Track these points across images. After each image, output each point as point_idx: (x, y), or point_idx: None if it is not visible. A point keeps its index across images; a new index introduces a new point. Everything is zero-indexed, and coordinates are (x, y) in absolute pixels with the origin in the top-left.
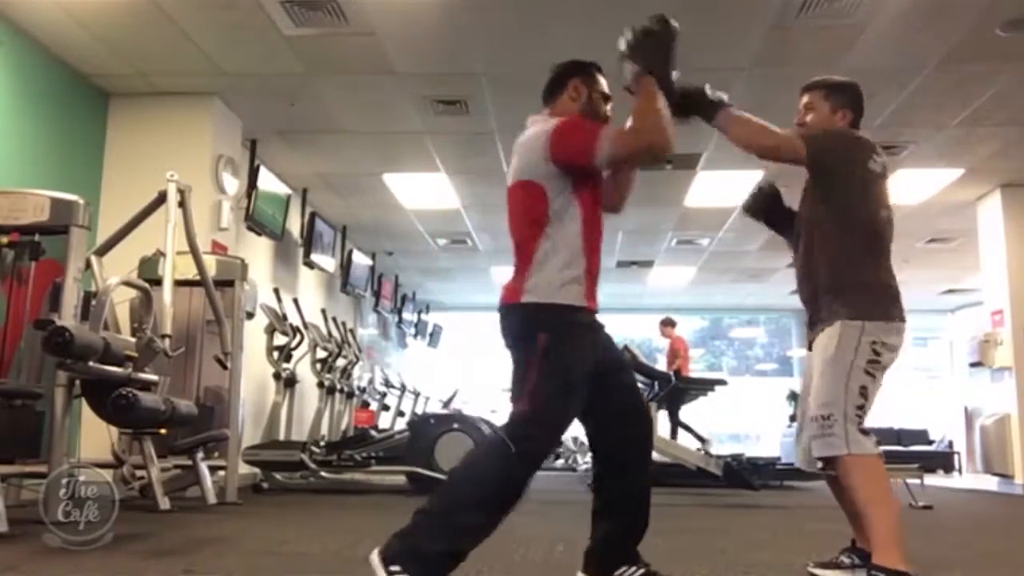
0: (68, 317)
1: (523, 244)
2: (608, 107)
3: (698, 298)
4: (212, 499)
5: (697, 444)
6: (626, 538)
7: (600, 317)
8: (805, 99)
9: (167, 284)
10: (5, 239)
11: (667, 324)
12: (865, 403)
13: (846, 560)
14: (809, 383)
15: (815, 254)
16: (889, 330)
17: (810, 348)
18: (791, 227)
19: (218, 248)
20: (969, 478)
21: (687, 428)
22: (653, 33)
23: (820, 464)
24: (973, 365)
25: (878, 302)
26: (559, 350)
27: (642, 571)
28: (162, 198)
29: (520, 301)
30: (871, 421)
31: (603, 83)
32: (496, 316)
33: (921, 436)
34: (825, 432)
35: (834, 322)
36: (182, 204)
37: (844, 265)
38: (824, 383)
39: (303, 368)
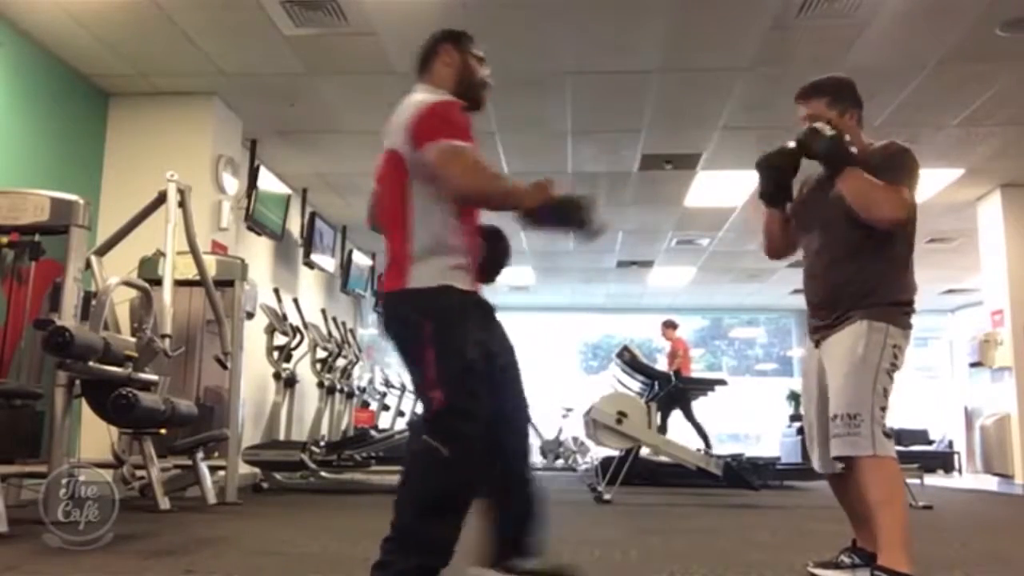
0: (68, 317)
1: (397, 224)
2: (486, 72)
3: (698, 298)
4: (212, 499)
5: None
6: (510, 529)
7: (600, 317)
8: (805, 110)
9: (167, 284)
10: (5, 239)
11: (668, 326)
12: (887, 405)
13: (846, 560)
14: (816, 382)
15: (855, 262)
16: (904, 336)
17: (817, 346)
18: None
19: (218, 248)
20: (969, 478)
21: (699, 427)
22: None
23: (841, 465)
24: (973, 365)
25: (901, 313)
26: (449, 332)
27: (531, 565)
28: (162, 198)
29: (405, 287)
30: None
31: (477, 49)
32: (497, 316)
33: (921, 436)
34: (851, 431)
35: (856, 321)
36: (182, 204)
37: (883, 281)
38: (851, 383)
39: (303, 368)
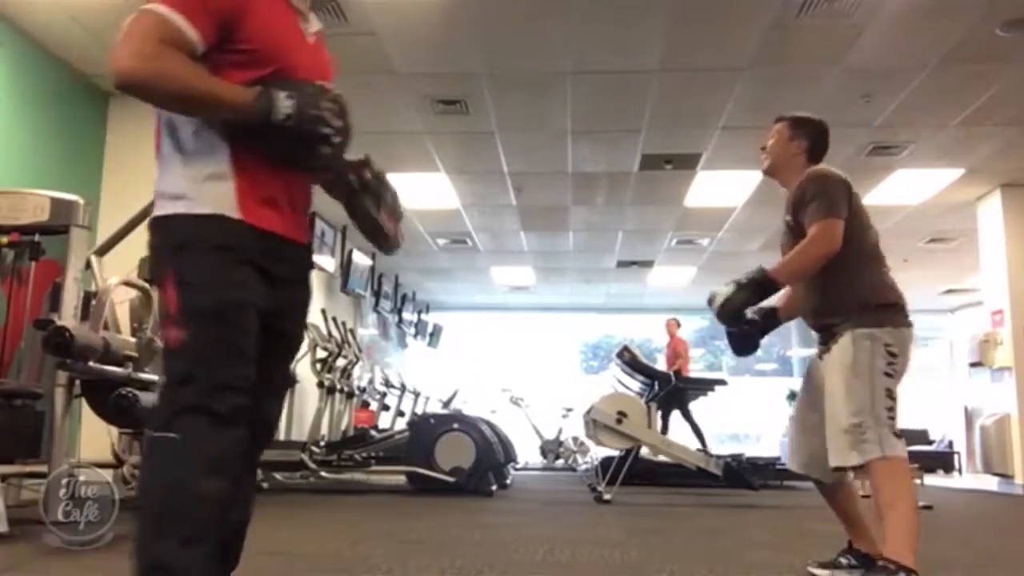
0: (68, 317)
1: (157, 126)
2: None
3: (698, 298)
4: None
5: (698, 444)
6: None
7: (600, 317)
8: (773, 129)
9: None
10: (5, 239)
11: (675, 323)
12: (894, 404)
13: (844, 561)
14: (814, 390)
15: (828, 279)
16: (896, 334)
17: (820, 357)
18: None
19: None
20: (969, 478)
21: (695, 427)
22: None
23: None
24: (973, 365)
25: (885, 313)
26: (196, 281)
27: None
28: None
29: (157, 215)
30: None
31: None
32: (497, 316)
33: (921, 436)
34: (860, 439)
35: (841, 335)
36: None
37: (856, 288)
38: (850, 394)
39: (303, 368)
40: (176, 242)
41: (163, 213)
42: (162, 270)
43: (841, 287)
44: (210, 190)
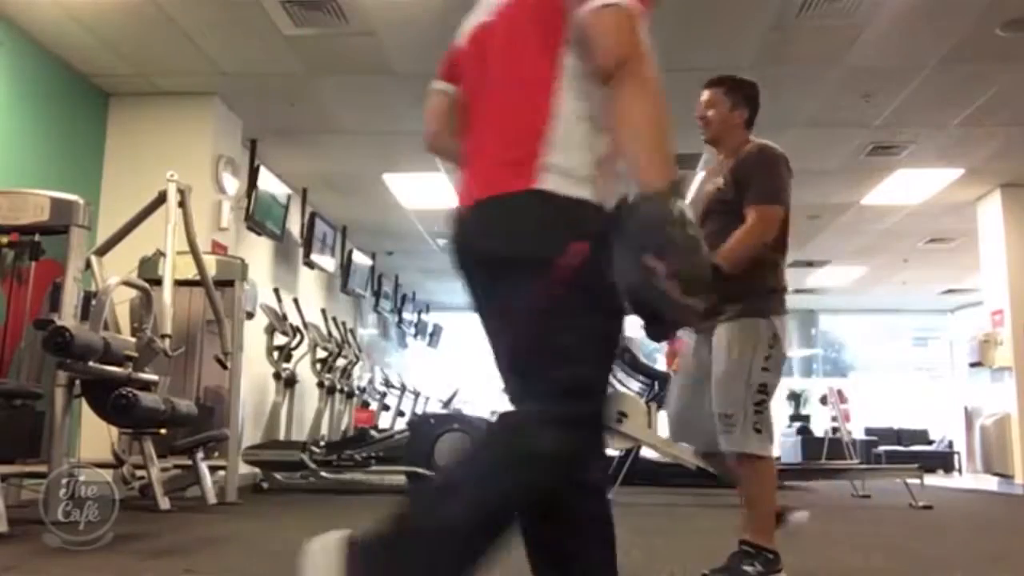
0: (68, 317)
1: (530, 95)
2: None
3: None
4: (212, 499)
5: None
6: None
7: None
8: (706, 95)
9: (167, 284)
10: (5, 239)
11: None
12: (765, 399)
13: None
14: (697, 371)
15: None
16: (779, 325)
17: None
18: None
19: (218, 248)
20: (969, 478)
21: None
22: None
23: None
24: (973, 365)
25: (775, 300)
26: (602, 276)
27: None
28: (162, 198)
29: (550, 189)
30: (869, 419)
31: None
32: None
33: (921, 436)
34: (727, 429)
35: (737, 319)
36: (182, 204)
37: (756, 271)
38: (726, 383)
39: (303, 368)
40: (590, 230)
41: (562, 191)
42: (552, 254)
43: (752, 266)
44: (601, 189)
